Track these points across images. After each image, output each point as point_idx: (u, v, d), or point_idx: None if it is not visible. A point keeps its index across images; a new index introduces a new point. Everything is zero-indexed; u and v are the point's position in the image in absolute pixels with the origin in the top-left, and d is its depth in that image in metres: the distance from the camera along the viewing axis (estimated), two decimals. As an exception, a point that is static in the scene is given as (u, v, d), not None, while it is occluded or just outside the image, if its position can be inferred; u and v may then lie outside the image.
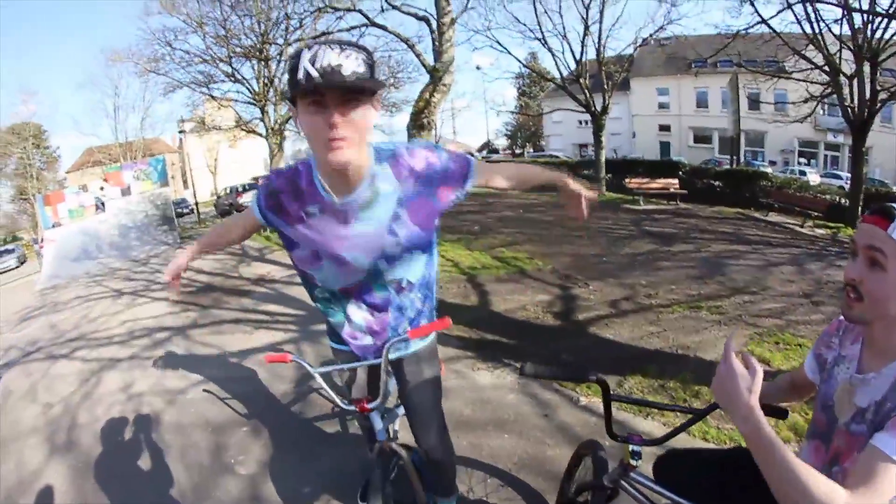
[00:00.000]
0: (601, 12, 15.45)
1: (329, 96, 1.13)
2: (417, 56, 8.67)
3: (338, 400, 1.62)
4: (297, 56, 1.15)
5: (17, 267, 26.46)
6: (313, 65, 1.11)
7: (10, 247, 31.44)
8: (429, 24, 8.22)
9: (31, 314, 10.27)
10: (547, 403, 3.18)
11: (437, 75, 7.77)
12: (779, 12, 11.45)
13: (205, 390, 4.19)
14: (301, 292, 6.18)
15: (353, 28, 10.99)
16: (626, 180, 15.54)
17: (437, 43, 7.88)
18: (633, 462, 1.38)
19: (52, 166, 42.46)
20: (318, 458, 2.87)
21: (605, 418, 1.43)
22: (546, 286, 5.87)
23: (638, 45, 16.78)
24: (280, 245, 1.36)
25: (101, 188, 17.67)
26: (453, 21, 7.87)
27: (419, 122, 7.92)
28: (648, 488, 1.40)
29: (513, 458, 2.65)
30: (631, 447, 1.38)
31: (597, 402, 3.13)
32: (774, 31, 11.80)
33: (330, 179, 1.34)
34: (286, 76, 1.21)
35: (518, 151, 46.39)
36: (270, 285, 7.57)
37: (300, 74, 1.12)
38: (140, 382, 4.64)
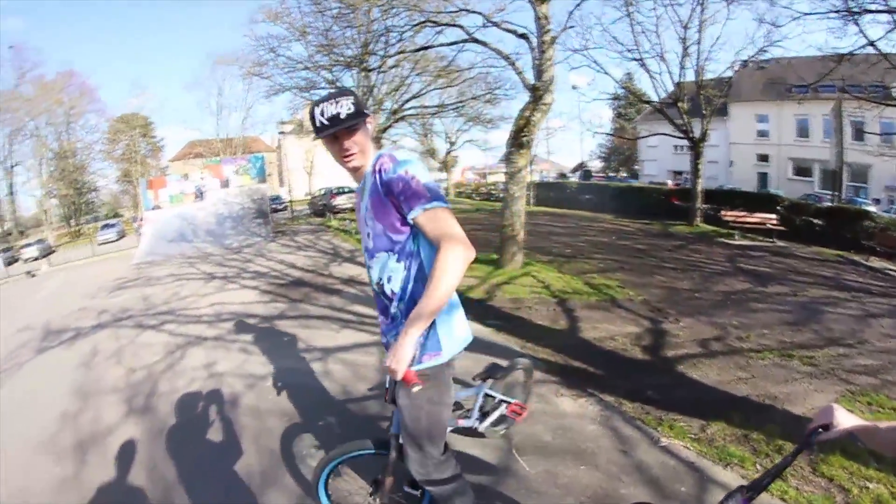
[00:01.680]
0: (699, 33, 14.78)
1: (337, 132, 1.68)
2: (518, 73, 8.44)
3: None
4: (311, 112, 1.70)
5: (116, 240, 29.22)
6: (323, 116, 1.66)
7: (112, 221, 34.65)
8: (528, 42, 8.08)
9: (125, 284, 11.18)
10: (627, 439, 3.04)
11: (537, 94, 7.65)
12: (887, 32, 10.23)
13: (286, 380, 4.34)
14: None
15: (453, 43, 10.91)
16: (722, 212, 14.67)
17: (537, 61, 7.73)
18: None
19: (156, 154, 46.49)
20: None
21: None
22: (636, 318, 5.65)
23: (737, 68, 15.85)
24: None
25: (202, 177, 18.97)
26: (553, 40, 7.67)
27: (518, 141, 7.86)
28: None
29: (586, 491, 2.55)
30: None
31: (676, 444, 2.97)
32: (882, 53, 10.60)
33: (354, 177, 1.87)
34: (311, 122, 1.73)
35: (612, 175, 45.18)
36: (360, 287, 7.72)
37: (317, 124, 1.68)
38: (223, 363, 4.88)
